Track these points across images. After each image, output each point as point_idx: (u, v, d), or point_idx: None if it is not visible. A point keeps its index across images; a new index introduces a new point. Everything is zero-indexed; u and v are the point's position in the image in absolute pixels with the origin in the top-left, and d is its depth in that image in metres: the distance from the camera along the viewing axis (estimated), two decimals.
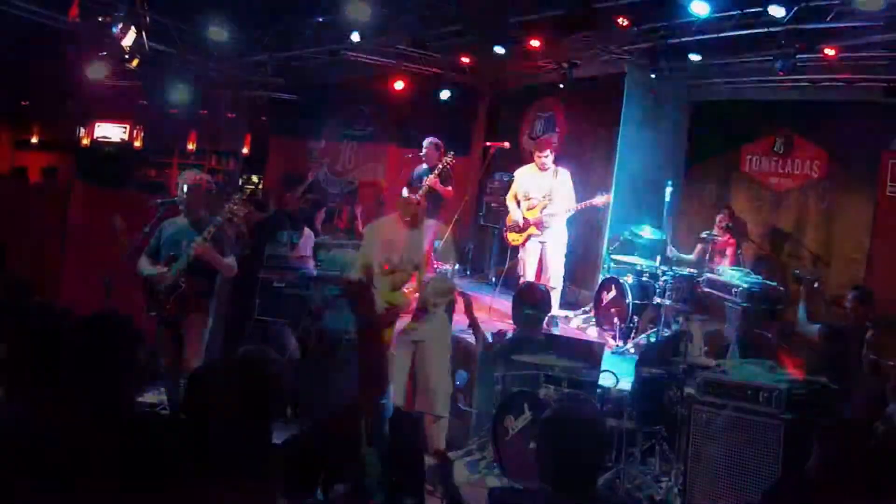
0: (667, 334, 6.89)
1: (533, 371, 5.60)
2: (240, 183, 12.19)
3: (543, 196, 7.83)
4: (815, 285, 6.98)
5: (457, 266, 5.62)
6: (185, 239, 5.56)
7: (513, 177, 8.35)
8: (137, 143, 13.46)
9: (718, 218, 8.13)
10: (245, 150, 13.24)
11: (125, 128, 13.30)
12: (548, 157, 7.84)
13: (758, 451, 4.67)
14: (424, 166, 8.18)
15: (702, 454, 4.93)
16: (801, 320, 6.63)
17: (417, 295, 5.58)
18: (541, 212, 7.81)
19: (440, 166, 7.61)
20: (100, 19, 6.91)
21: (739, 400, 4.83)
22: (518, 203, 8.01)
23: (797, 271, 7.34)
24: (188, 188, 5.69)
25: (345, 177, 11.50)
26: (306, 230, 7.97)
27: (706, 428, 4.93)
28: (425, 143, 8.32)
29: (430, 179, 7.49)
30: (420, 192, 6.72)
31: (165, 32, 8.76)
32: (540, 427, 2.80)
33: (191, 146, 13.67)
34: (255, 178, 13.07)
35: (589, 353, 6.00)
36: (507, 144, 8.90)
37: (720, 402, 4.90)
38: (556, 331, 7.33)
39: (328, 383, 5.68)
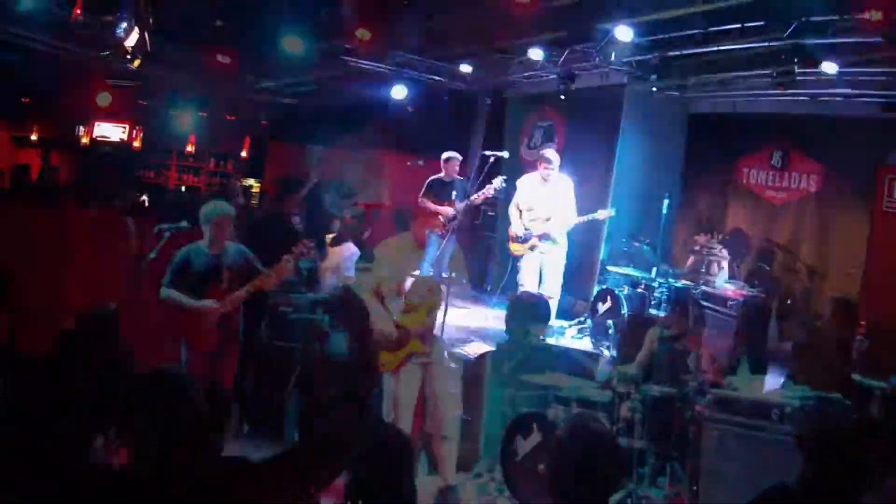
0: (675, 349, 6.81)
1: (541, 392, 5.59)
2: (237, 186, 12.18)
3: (545, 207, 7.85)
4: (788, 301, 6.89)
5: (465, 279, 5.50)
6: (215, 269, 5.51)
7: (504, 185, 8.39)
8: (136, 144, 13.46)
9: (701, 239, 8.11)
10: (244, 154, 13.27)
11: (124, 128, 13.30)
12: (553, 169, 7.86)
13: (772, 469, 4.41)
14: (447, 178, 8.22)
15: (714, 473, 4.82)
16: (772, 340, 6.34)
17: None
18: (543, 223, 7.83)
19: (492, 189, 7.75)
20: (104, 19, 6.90)
21: (752, 417, 4.75)
22: (520, 213, 8.03)
23: (772, 288, 7.19)
24: (217, 222, 5.54)
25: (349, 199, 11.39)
26: (352, 246, 7.65)
27: (718, 447, 4.83)
28: (451, 156, 8.35)
29: (478, 198, 7.70)
30: (461, 205, 7.17)
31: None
32: (554, 446, 2.77)
33: (189, 148, 13.69)
34: (253, 182, 13.07)
35: (584, 365, 6.00)
36: (505, 154, 8.92)
37: (732, 420, 4.82)
38: (551, 341, 7.33)
39: (327, 408, 5.62)
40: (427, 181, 8.29)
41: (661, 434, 5.40)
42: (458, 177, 8.39)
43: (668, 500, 5.34)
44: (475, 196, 7.96)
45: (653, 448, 5.39)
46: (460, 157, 8.32)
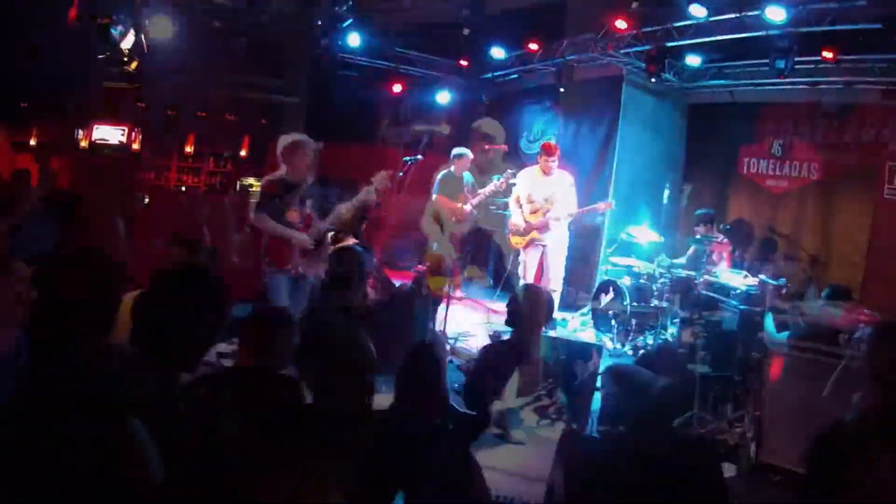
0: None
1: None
2: (237, 186, 12.19)
3: (546, 199, 7.84)
4: (784, 291, 6.85)
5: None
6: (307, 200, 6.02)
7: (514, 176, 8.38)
8: (136, 146, 13.46)
9: (702, 229, 8.09)
10: (243, 153, 13.26)
11: (123, 130, 13.30)
12: (554, 161, 7.85)
13: (839, 395, 4.27)
14: (458, 173, 8.22)
15: (777, 399, 4.69)
16: (769, 332, 5.82)
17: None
18: (543, 215, 7.82)
19: (504, 183, 7.84)
20: (100, 22, 6.91)
21: (818, 342, 4.58)
22: (520, 206, 8.02)
23: (763, 276, 7.12)
24: (293, 151, 5.97)
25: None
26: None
27: (782, 372, 4.68)
28: (462, 152, 8.35)
29: (489, 190, 7.86)
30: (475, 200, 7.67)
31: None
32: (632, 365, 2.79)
33: (189, 148, 13.68)
34: (253, 181, 13.06)
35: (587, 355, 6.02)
36: (505, 147, 8.92)
37: (798, 345, 4.67)
38: (553, 333, 7.33)
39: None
40: (439, 178, 8.26)
41: (724, 359, 5.32)
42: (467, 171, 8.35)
43: (731, 425, 5.28)
44: (486, 189, 7.93)
45: (715, 372, 5.30)
46: (472, 155, 8.31)
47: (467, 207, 7.74)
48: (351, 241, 7.00)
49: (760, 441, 4.75)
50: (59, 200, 5.52)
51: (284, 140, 6.02)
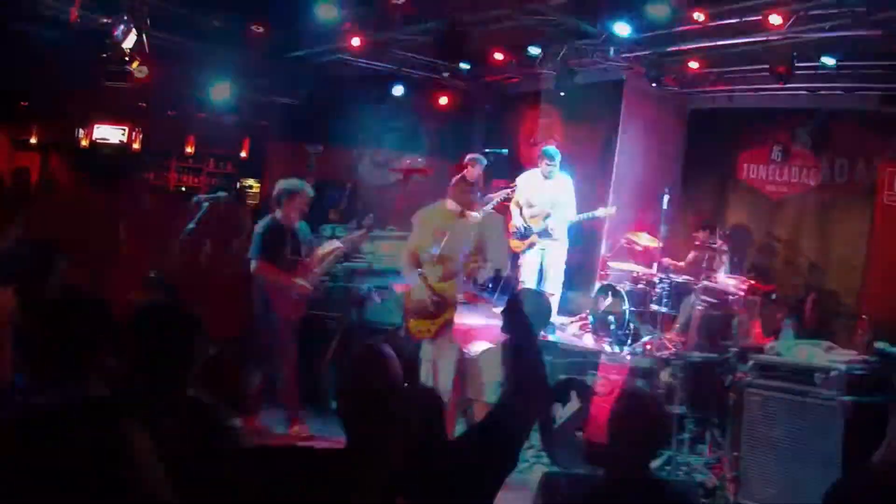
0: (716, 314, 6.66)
1: (580, 358, 5.58)
2: (237, 187, 12.17)
3: (546, 203, 7.85)
4: (773, 297, 6.85)
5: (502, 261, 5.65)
6: (301, 246, 6.12)
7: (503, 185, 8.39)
8: (136, 146, 13.44)
9: (701, 234, 8.08)
10: (243, 154, 13.24)
11: (124, 129, 13.28)
12: (554, 165, 7.86)
13: (816, 435, 4.46)
14: (471, 178, 8.20)
15: (756, 440, 4.76)
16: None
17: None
18: (543, 220, 7.82)
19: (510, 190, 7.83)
20: (102, 21, 6.91)
21: (795, 382, 4.66)
22: (520, 210, 8.02)
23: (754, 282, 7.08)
24: (291, 198, 6.08)
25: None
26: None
27: (760, 412, 4.76)
28: (477, 158, 8.35)
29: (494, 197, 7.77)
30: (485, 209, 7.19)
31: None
32: (616, 410, 2.76)
33: (189, 149, 13.66)
34: (252, 182, 13.05)
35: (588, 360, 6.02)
36: (505, 151, 8.92)
37: (774, 386, 4.73)
38: (552, 338, 7.33)
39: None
40: (452, 183, 8.26)
41: (701, 400, 5.34)
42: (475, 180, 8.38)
43: (708, 466, 5.29)
44: (496, 195, 7.94)
45: (693, 414, 5.33)
46: (485, 161, 8.36)
47: (476, 215, 7.69)
48: None
49: (739, 482, 4.83)
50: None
51: (281, 185, 6.18)
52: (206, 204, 5.75)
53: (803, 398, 4.63)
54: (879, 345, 4.93)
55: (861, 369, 4.65)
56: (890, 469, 2.71)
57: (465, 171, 8.18)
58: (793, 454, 4.57)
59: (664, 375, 5.51)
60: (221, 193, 5.81)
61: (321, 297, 6.81)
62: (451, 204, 5.43)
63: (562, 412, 5.42)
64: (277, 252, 5.98)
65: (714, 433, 5.39)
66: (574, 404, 5.35)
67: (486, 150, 8.41)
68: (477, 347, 6.79)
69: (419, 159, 8.24)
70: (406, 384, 2.56)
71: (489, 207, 7.98)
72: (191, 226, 5.70)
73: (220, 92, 9.05)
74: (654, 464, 5.07)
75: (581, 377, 5.55)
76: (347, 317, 7.07)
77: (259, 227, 6.16)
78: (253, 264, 6.01)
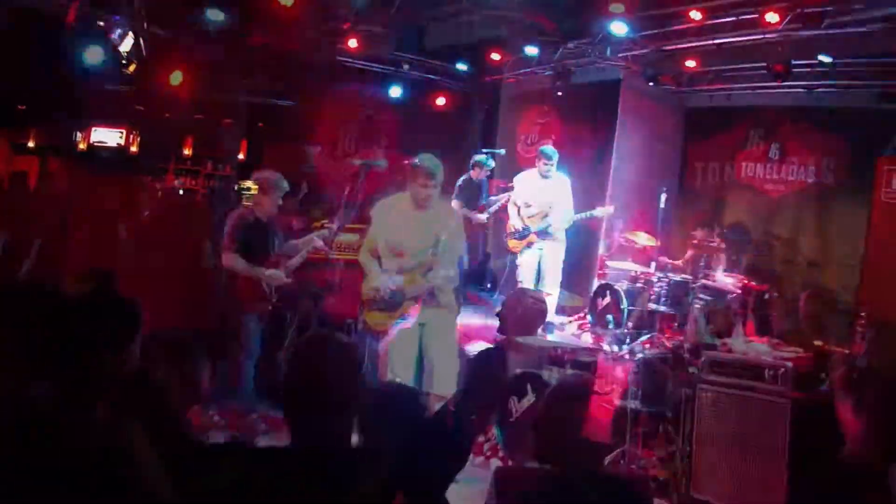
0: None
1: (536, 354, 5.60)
2: (235, 188, 12.17)
3: (544, 203, 7.85)
4: (766, 297, 6.89)
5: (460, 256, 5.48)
6: (275, 239, 6.19)
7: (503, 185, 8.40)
8: (134, 149, 13.45)
9: (699, 233, 8.08)
10: (241, 156, 13.23)
11: (121, 132, 13.30)
12: (552, 164, 7.87)
13: (765, 430, 4.65)
14: (476, 179, 8.23)
15: (707, 435, 4.91)
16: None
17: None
18: (541, 219, 7.83)
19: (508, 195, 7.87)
20: (98, 24, 6.90)
21: (745, 378, 4.81)
22: (517, 209, 8.02)
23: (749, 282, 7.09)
24: (266, 191, 6.13)
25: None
26: None
27: (712, 408, 4.92)
28: (483, 160, 8.38)
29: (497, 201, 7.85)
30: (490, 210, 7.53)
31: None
32: (542, 404, 2.78)
33: (187, 151, 13.68)
34: (251, 184, 13.04)
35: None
36: (502, 151, 8.93)
37: (725, 381, 4.88)
38: (551, 337, 7.33)
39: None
40: (458, 182, 8.28)
41: (655, 395, 5.44)
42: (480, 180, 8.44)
43: (661, 461, 5.36)
44: (501, 197, 7.97)
45: (646, 409, 5.42)
46: (493, 164, 8.39)
47: (483, 217, 7.77)
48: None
49: (691, 476, 4.96)
50: None
51: (259, 175, 6.30)
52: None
53: (752, 393, 4.78)
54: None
55: (807, 366, 4.87)
56: (859, 463, 2.76)
57: (472, 172, 8.22)
58: (741, 449, 4.74)
59: (619, 371, 5.57)
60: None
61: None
62: (456, 204, 5.42)
63: (517, 406, 5.43)
64: (249, 244, 5.99)
65: (668, 428, 5.48)
66: (530, 398, 5.35)
67: (484, 151, 8.41)
68: (474, 347, 6.81)
69: (416, 160, 8.16)
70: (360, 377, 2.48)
71: (494, 209, 8.01)
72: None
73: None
74: (609, 457, 5.11)
75: (536, 371, 5.55)
76: (304, 310, 7.04)
77: (231, 218, 6.15)
78: (224, 256, 6.02)
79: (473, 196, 8.05)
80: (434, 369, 5.32)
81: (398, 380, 5.00)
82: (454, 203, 7.85)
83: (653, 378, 5.49)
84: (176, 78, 8.00)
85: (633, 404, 5.33)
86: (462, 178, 8.25)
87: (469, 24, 7.86)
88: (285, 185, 6.20)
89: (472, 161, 8.26)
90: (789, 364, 4.73)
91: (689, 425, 5.09)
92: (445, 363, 5.36)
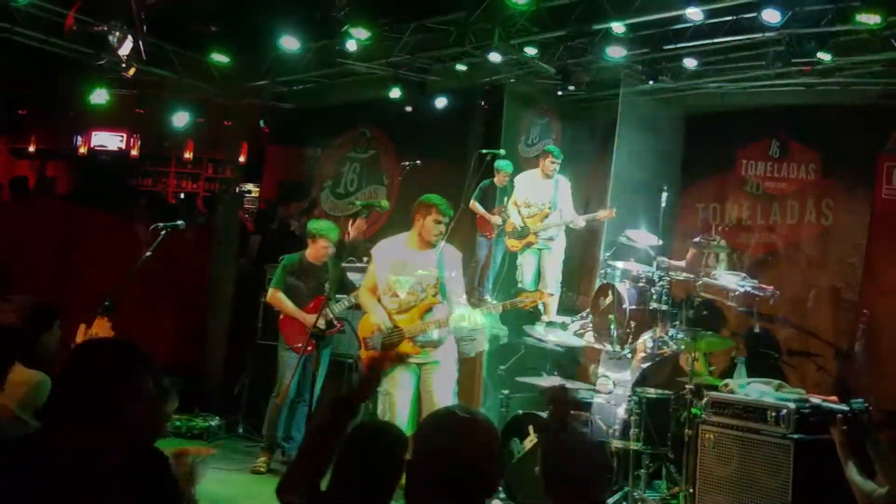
0: (670, 351, 6.75)
1: (537, 393, 5.62)
2: (236, 191, 12.18)
3: (544, 203, 7.86)
4: (771, 301, 6.87)
5: (463, 297, 5.40)
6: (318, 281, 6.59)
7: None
8: (134, 152, 13.46)
9: (699, 233, 8.05)
10: (242, 159, 13.25)
11: (122, 136, 13.31)
12: (558, 163, 7.90)
13: (768, 472, 4.65)
14: (499, 184, 8.28)
15: (710, 476, 4.92)
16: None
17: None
18: (541, 220, 7.83)
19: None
20: (97, 29, 6.91)
21: (747, 420, 4.83)
22: (518, 209, 8.03)
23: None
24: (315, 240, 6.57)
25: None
26: None
27: (714, 449, 4.92)
28: (504, 167, 8.39)
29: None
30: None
31: (164, 57, 8.81)
32: (541, 452, 2.80)
33: (187, 155, 13.68)
34: (251, 187, 13.06)
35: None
36: (502, 152, 8.91)
37: (728, 423, 4.90)
38: (553, 337, 7.32)
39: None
40: (480, 185, 8.37)
41: (658, 436, 5.44)
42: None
43: (664, 502, 5.37)
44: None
45: (649, 450, 5.42)
46: (511, 170, 8.45)
47: (498, 219, 7.87)
48: None
49: None
50: None
51: (313, 225, 6.71)
52: (164, 232, 5.65)
53: (755, 435, 4.78)
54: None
55: (809, 408, 4.78)
56: None
57: (496, 178, 8.31)
58: (744, 490, 4.73)
59: (620, 412, 5.59)
60: (180, 222, 5.72)
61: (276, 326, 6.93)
62: (413, 234, 5.36)
63: (519, 447, 5.44)
64: (293, 284, 6.53)
65: (670, 469, 5.48)
66: (532, 438, 5.36)
67: (483, 151, 8.40)
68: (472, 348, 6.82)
69: (417, 161, 8.15)
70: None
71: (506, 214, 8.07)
72: (148, 254, 5.57)
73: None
74: (612, 499, 5.21)
75: (538, 412, 5.54)
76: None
77: (285, 259, 6.69)
78: (269, 292, 6.64)
79: (492, 200, 8.23)
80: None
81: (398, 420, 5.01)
82: (473, 204, 8.03)
83: (655, 418, 5.49)
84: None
85: (635, 445, 5.32)
86: (485, 181, 8.37)
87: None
88: (334, 235, 6.56)
89: (495, 166, 8.40)
90: (791, 405, 4.71)
91: (692, 466, 5.09)
92: (444, 405, 5.35)
